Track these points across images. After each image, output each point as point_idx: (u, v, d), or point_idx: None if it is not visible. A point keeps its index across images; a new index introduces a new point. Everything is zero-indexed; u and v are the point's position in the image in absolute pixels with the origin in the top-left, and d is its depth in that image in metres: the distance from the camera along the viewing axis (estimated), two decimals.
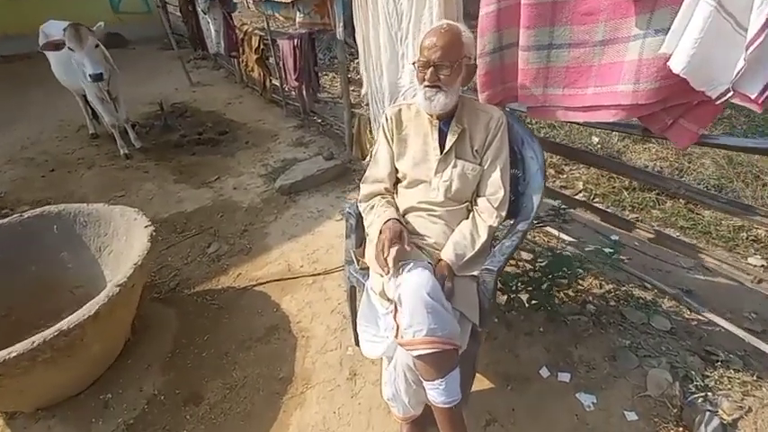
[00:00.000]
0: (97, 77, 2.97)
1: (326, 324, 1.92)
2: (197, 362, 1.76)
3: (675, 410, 1.46)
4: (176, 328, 1.93)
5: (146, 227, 1.80)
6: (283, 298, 2.09)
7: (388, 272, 1.13)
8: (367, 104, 3.03)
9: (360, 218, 1.53)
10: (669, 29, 1.03)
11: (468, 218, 1.36)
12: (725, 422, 1.39)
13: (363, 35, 1.88)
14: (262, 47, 4.31)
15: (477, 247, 1.26)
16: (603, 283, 2.05)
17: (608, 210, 2.28)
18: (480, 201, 1.36)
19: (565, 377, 1.61)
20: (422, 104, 1.32)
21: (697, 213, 2.86)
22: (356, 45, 3.01)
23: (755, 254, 2.50)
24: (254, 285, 2.17)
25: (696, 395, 1.49)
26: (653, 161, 3.54)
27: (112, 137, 3.69)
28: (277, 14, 2.65)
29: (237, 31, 4.46)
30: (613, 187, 3.19)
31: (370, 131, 3.14)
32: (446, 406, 1.03)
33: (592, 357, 1.69)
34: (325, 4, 2.18)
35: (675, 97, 1.14)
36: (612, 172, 2.59)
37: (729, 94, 0.98)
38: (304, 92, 3.69)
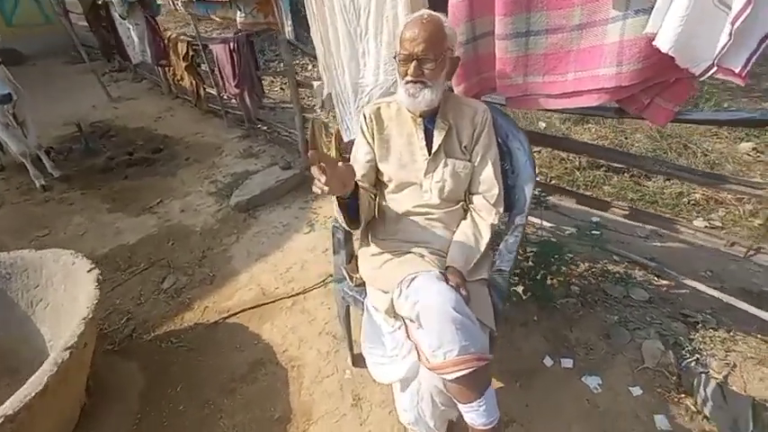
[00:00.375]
0: (5, 99, 2.52)
1: (316, 348, 1.76)
2: (174, 419, 1.53)
3: (674, 378, 1.52)
4: (141, 383, 1.67)
5: (89, 270, 1.53)
6: (263, 327, 1.89)
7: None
8: (321, 107, 2.89)
9: (348, 233, 1.40)
10: (650, 8, 1.03)
11: (465, 218, 1.29)
12: (718, 381, 1.47)
13: (321, 33, 1.74)
14: (191, 53, 3.96)
15: (482, 248, 1.20)
16: (579, 262, 2.11)
17: (585, 193, 2.35)
18: (476, 198, 1.30)
19: (568, 363, 1.62)
20: (405, 102, 1.23)
21: (643, 185, 3.08)
22: (302, 45, 2.84)
23: (698, 216, 2.74)
24: (227, 317, 1.95)
25: (689, 360, 1.56)
26: (594, 140, 3.76)
27: (23, 167, 3.18)
28: (213, 16, 2.41)
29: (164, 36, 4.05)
30: (566, 168, 3.33)
31: (326, 135, 3.00)
32: (488, 427, 0.96)
33: (587, 338, 1.72)
34: (268, 3, 2.00)
35: (656, 77, 1.15)
36: (597, 157, 2.70)
37: (713, 70, 1.00)
38: (247, 99, 3.43)
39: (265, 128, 3.94)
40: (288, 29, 1.93)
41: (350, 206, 1.15)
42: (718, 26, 0.94)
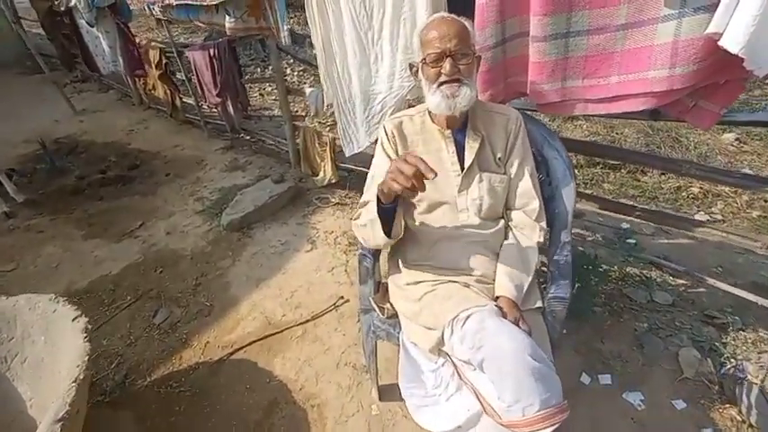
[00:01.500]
0: None
1: (336, 382, 1.62)
2: None
3: (716, 387, 1.47)
4: None
5: (74, 319, 1.33)
6: (273, 361, 1.73)
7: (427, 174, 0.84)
8: (314, 114, 2.73)
9: (375, 259, 1.27)
10: (710, 6, 0.95)
11: (507, 237, 1.18)
12: (759, 386, 1.42)
13: (323, 38, 1.59)
14: (164, 61, 3.70)
15: (532, 272, 1.09)
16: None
17: (607, 197, 2.29)
18: (515, 215, 1.19)
19: (606, 379, 1.54)
20: (441, 106, 1.07)
21: (641, 181, 3.08)
22: (292, 51, 2.66)
23: (699, 210, 2.75)
24: (231, 353, 1.77)
25: (727, 367, 1.52)
26: (587, 136, 3.76)
27: None
28: (197, 21, 2.20)
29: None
30: None
31: (320, 144, 2.84)
32: None
33: (621, 350, 1.65)
34: (258, 6, 1.83)
35: (707, 79, 1.08)
36: (603, 156, 2.65)
37: None
38: (230, 108, 3.22)
39: (250, 138, 3.74)
40: (284, 33, 1.77)
41: (388, 212, 1.03)
42: None
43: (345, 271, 2.17)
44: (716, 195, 2.82)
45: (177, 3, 2.12)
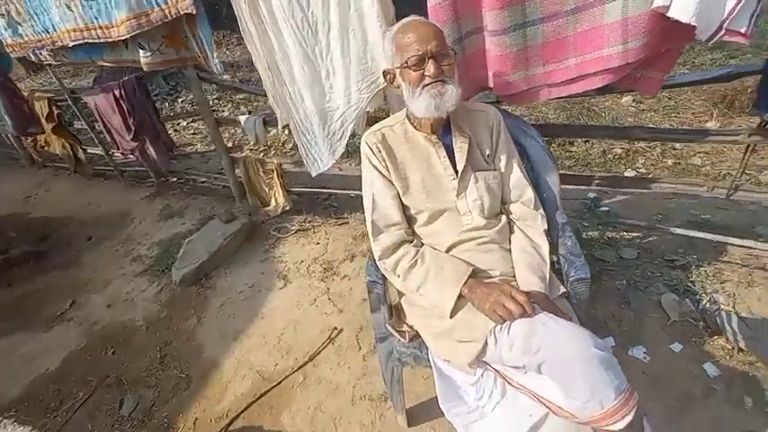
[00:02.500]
0: None
1: (357, 421, 1.50)
2: None
3: (701, 323, 1.62)
4: None
5: None
6: (280, 419, 1.55)
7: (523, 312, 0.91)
8: (255, 142, 2.55)
9: (385, 284, 1.19)
10: None
11: (512, 231, 1.18)
12: (735, 313, 1.59)
13: (267, 60, 1.46)
14: (57, 111, 3.22)
15: (547, 260, 1.09)
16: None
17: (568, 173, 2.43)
18: (514, 207, 1.19)
19: (610, 341, 1.61)
20: (429, 108, 1.04)
21: (573, 151, 3.35)
22: (218, 77, 2.47)
23: (626, 168, 3.06)
24: (229, 424, 1.56)
25: (703, 302, 1.68)
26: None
27: None
28: (101, 61, 1.91)
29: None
30: None
31: (265, 173, 2.67)
32: None
33: (612, 310, 1.74)
34: (177, 35, 1.64)
35: (654, 49, 1.17)
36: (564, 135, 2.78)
37: (720, 33, 1.02)
38: (151, 151, 2.88)
39: (178, 180, 3.40)
40: (214, 61, 1.60)
41: None
42: None
43: (329, 299, 2.04)
44: (635, 152, 3.17)
45: (74, 43, 1.82)
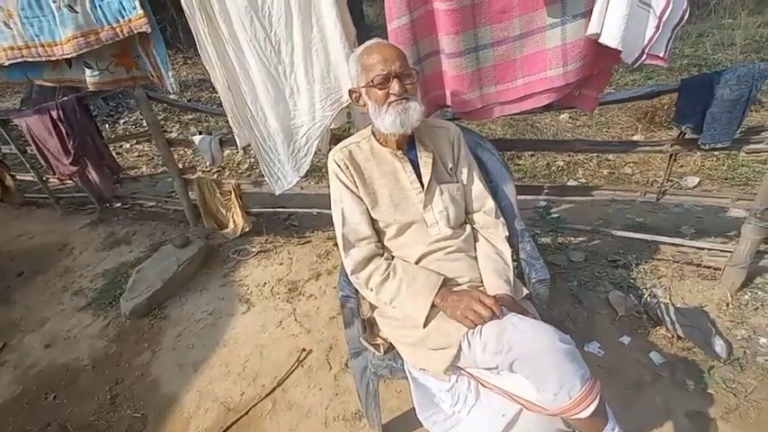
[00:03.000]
0: None
1: None
2: None
3: (644, 316, 1.77)
4: None
5: None
6: None
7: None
8: (211, 163, 2.48)
9: (358, 298, 1.19)
10: (586, 12, 1.16)
11: (477, 239, 1.24)
12: (671, 304, 1.77)
13: (228, 80, 1.45)
14: None
15: (510, 264, 1.16)
16: None
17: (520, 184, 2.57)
18: (477, 217, 1.26)
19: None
20: (395, 124, 1.09)
21: (520, 164, 3.57)
22: (168, 96, 2.39)
23: (568, 179, 3.32)
24: None
25: (644, 296, 1.84)
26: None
27: None
28: (39, 81, 1.76)
29: None
30: None
31: (222, 194, 2.59)
32: None
33: (567, 311, 1.86)
34: (127, 54, 1.57)
35: (589, 71, 1.31)
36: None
37: (643, 58, 1.18)
38: (94, 176, 2.69)
39: (123, 205, 3.19)
40: (170, 81, 1.55)
41: None
42: (642, 22, 1.12)
43: (296, 320, 1.99)
44: (575, 164, 3.45)
45: (11, 62, 1.68)
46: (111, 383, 1.80)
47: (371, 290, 1.12)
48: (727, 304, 1.75)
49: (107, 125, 5.16)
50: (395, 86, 1.05)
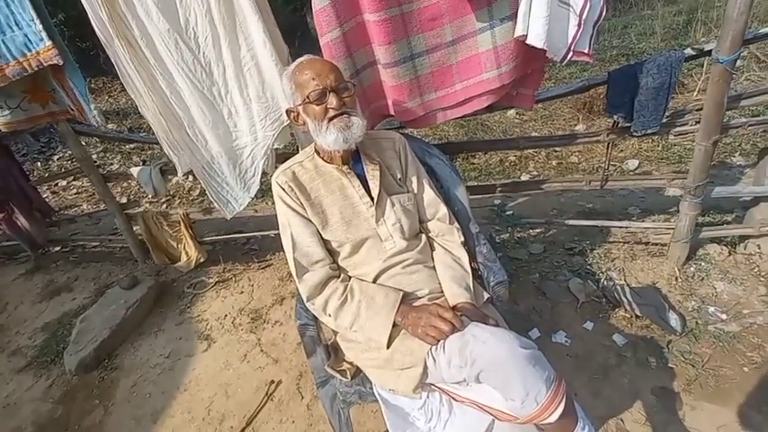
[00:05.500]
0: None
1: None
2: None
3: (603, 300, 1.83)
4: None
5: None
6: None
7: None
8: (154, 194, 2.33)
9: (318, 324, 1.14)
10: (512, 15, 1.18)
11: (433, 248, 1.22)
12: (626, 285, 1.84)
13: (159, 107, 1.35)
14: None
15: (469, 270, 1.15)
16: None
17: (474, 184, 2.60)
18: (431, 225, 1.25)
19: (535, 333, 1.74)
20: (338, 141, 1.05)
21: (474, 162, 3.65)
22: (99, 128, 2.24)
23: (521, 172, 3.42)
24: None
25: (601, 281, 1.91)
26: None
27: None
28: None
29: None
30: None
31: (170, 226, 2.44)
32: None
33: (533, 303, 1.89)
34: (41, 88, 1.43)
35: (522, 71, 1.34)
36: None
37: (570, 55, 1.22)
38: (22, 221, 2.46)
39: (62, 249, 2.94)
40: (92, 114, 1.43)
41: None
42: (564, 21, 1.15)
43: (262, 351, 1.89)
44: (526, 158, 3.56)
45: None
46: None
47: (330, 315, 1.07)
48: (676, 278, 1.85)
49: (39, 163, 4.78)
50: (332, 101, 1.02)
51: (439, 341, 0.93)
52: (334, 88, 1.03)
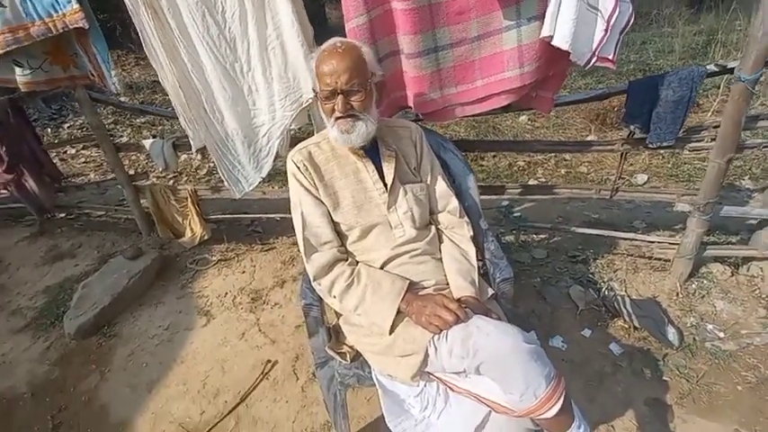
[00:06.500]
0: None
1: None
2: None
3: (603, 309, 1.84)
4: None
5: None
6: None
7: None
8: (165, 168, 2.34)
9: (322, 306, 1.15)
10: (540, 15, 1.18)
11: (441, 240, 1.23)
12: (626, 296, 1.85)
13: (178, 80, 1.36)
14: None
15: (475, 265, 1.16)
16: None
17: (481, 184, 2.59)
18: (441, 217, 1.25)
19: (533, 336, 1.74)
20: (339, 140, 1.09)
21: (483, 165, 3.65)
22: (115, 98, 2.25)
23: (529, 178, 3.43)
24: None
25: (602, 290, 1.91)
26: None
27: None
28: None
29: None
30: None
31: (177, 201, 2.45)
32: None
33: (532, 307, 1.90)
34: (63, 51, 1.44)
35: (544, 72, 1.34)
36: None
37: (594, 60, 1.22)
38: (31, 184, 2.47)
39: (67, 215, 2.95)
40: (112, 81, 1.44)
41: None
42: (592, 25, 1.15)
43: (260, 331, 1.91)
44: (535, 164, 3.56)
45: None
46: (54, 411, 1.64)
47: (335, 297, 1.08)
48: (677, 294, 1.85)
49: (49, 129, 4.79)
50: (338, 104, 1.02)
51: (442, 330, 0.93)
52: (343, 90, 1.02)
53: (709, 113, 3.67)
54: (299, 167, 1.13)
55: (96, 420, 1.60)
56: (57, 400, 1.69)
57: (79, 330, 1.94)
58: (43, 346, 1.95)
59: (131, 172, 2.51)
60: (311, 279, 1.11)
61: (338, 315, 1.20)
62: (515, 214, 2.08)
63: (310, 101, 1.37)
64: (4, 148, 2.30)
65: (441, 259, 1.18)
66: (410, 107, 1.44)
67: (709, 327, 1.70)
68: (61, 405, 1.66)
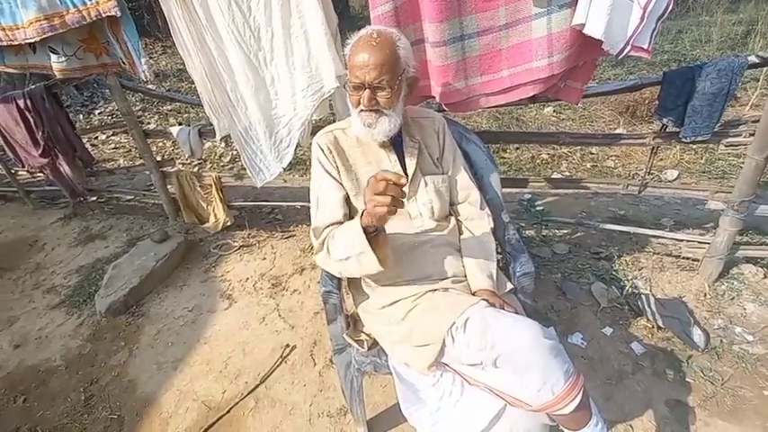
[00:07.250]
0: None
1: None
2: None
3: (626, 307, 1.80)
4: None
5: None
6: None
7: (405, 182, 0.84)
8: (190, 155, 2.40)
9: (341, 293, 1.17)
10: (571, 2, 1.14)
11: (461, 232, 1.22)
12: (651, 295, 1.80)
13: (205, 67, 1.38)
14: None
15: (494, 258, 1.15)
16: None
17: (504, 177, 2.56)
18: (461, 208, 1.24)
19: (552, 332, 1.72)
20: (360, 132, 1.09)
21: (506, 157, 3.58)
22: (144, 86, 2.31)
23: (552, 171, 3.35)
24: None
25: (626, 288, 1.87)
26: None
27: None
28: (2, 66, 1.66)
29: None
30: None
31: (202, 188, 2.52)
32: None
33: (551, 302, 1.88)
34: (96, 39, 1.49)
35: (574, 62, 1.30)
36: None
37: (628, 49, 1.17)
38: (65, 168, 2.58)
39: (98, 199, 3.07)
40: (143, 68, 1.48)
41: (380, 238, 0.97)
42: (627, 13, 1.11)
43: (279, 316, 1.95)
44: (559, 157, 3.47)
45: None
46: (86, 384, 1.73)
47: (328, 252, 1.05)
48: (705, 294, 1.79)
49: (81, 116, 4.97)
50: (364, 98, 1.01)
51: (395, 212, 0.85)
52: (371, 85, 1.01)
53: (748, 107, 3.49)
54: (323, 150, 1.13)
55: (125, 394, 1.68)
56: (88, 374, 1.78)
57: (110, 309, 2.03)
58: (76, 323, 2.05)
59: (158, 158, 2.58)
60: (314, 252, 1.09)
61: (357, 303, 1.21)
62: (537, 208, 2.04)
63: (332, 92, 1.37)
64: (40, 133, 2.41)
65: (459, 250, 1.18)
66: (433, 97, 1.42)
67: (738, 329, 1.64)
68: (92, 378, 1.76)
